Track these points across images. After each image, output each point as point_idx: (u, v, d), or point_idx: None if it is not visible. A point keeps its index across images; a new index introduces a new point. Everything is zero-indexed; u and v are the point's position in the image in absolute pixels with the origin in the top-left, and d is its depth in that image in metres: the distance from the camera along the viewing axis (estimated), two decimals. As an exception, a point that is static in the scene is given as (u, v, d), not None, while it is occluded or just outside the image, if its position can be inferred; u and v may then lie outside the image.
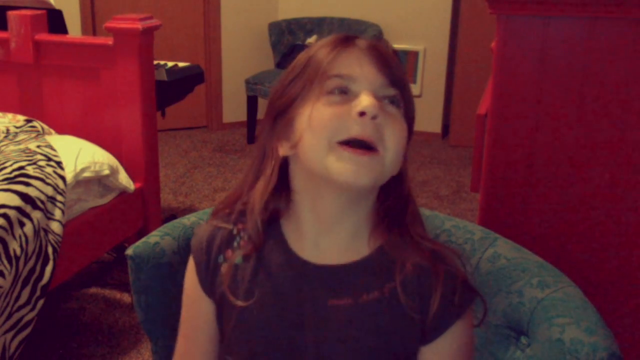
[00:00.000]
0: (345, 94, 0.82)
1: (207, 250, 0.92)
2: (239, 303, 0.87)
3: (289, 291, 0.87)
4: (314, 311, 0.86)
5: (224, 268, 0.90)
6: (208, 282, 0.92)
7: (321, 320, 0.86)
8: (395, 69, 0.84)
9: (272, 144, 0.88)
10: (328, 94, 0.82)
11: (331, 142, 0.80)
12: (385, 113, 0.81)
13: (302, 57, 0.87)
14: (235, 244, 0.91)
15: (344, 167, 0.79)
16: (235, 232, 0.92)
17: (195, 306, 0.95)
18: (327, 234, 0.87)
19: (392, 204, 0.88)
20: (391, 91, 0.83)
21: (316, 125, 0.81)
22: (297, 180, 0.88)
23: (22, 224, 1.81)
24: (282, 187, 0.89)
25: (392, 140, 0.81)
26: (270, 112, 0.88)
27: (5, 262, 1.73)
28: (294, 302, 0.87)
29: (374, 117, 0.79)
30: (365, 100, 0.79)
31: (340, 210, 0.86)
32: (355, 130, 0.79)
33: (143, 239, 1.16)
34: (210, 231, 0.93)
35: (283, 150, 0.86)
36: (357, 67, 0.82)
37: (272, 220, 0.90)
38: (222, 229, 0.92)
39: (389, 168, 0.82)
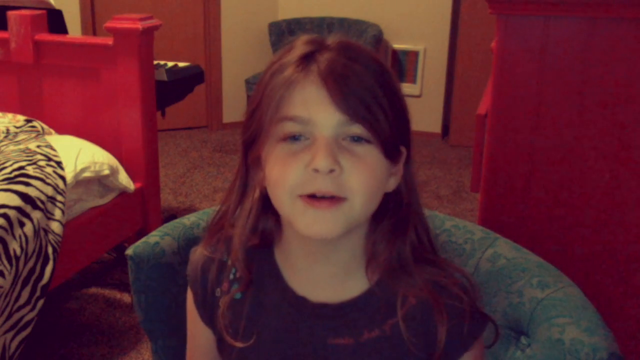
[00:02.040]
0: (299, 140, 0.74)
1: (203, 282, 0.88)
2: (237, 344, 0.83)
3: (288, 330, 0.83)
4: (314, 351, 0.82)
5: (222, 303, 0.85)
6: (207, 314, 0.89)
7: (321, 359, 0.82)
8: (362, 96, 0.73)
9: (250, 173, 0.83)
10: (282, 141, 0.75)
11: (292, 195, 0.74)
12: (348, 156, 0.73)
13: (262, 80, 0.79)
14: (231, 276, 0.86)
15: (309, 222, 0.74)
16: (230, 262, 0.86)
17: (197, 335, 0.92)
18: (318, 267, 0.82)
19: (390, 234, 0.81)
20: (353, 129, 0.73)
21: (274, 181, 0.76)
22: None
23: (22, 224, 1.81)
24: (270, 208, 0.83)
25: (357, 185, 0.73)
26: (243, 141, 0.82)
27: (5, 262, 1.73)
28: (293, 341, 0.82)
29: (331, 171, 0.72)
30: (318, 156, 0.72)
31: (325, 244, 0.80)
32: (314, 186, 0.73)
33: (143, 239, 1.16)
34: (204, 261, 0.88)
35: (262, 182, 0.81)
36: (312, 106, 0.73)
37: (265, 245, 0.85)
38: (216, 259, 0.87)
39: (359, 212, 0.75)
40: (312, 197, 0.74)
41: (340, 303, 0.82)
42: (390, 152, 0.77)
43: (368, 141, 0.75)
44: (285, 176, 0.74)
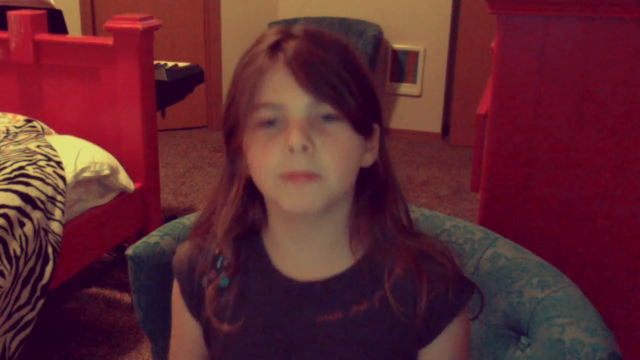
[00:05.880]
0: (275, 124, 0.78)
1: (190, 274, 0.90)
2: (225, 327, 0.85)
3: (276, 312, 0.85)
4: (302, 330, 0.84)
5: (209, 291, 0.87)
6: (194, 305, 0.90)
7: (311, 338, 0.84)
8: (327, 78, 0.77)
9: (235, 163, 0.86)
10: (258, 127, 0.79)
11: (274, 176, 0.79)
12: (320, 134, 0.78)
13: (235, 73, 0.84)
14: (218, 264, 0.88)
15: (290, 199, 0.79)
16: (217, 252, 0.89)
17: (183, 328, 0.93)
18: (304, 249, 0.85)
19: (369, 206, 0.85)
20: (322, 108, 0.78)
21: (257, 166, 0.80)
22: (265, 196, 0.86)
23: (22, 224, 1.81)
24: (256, 196, 0.87)
25: (330, 161, 0.78)
26: (223, 133, 0.86)
27: (5, 262, 1.73)
28: (281, 323, 0.85)
29: (304, 149, 0.76)
30: (291, 135, 0.76)
31: (310, 225, 0.84)
32: (290, 165, 0.77)
33: (143, 239, 1.16)
34: (191, 252, 0.91)
35: (246, 170, 0.85)
36: (282, 91, 0.77)
37: (252, 233, 0.88)
38: (203, 249, 0.89)
39: (335, 188, 0.79)
40: (290, 176, 0.78)
41: (328, 279, 0.84)
42: (361, 128, 0.81)
43: (338, 118, 0.79)
44: (266, 159, 0.79)
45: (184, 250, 0.92)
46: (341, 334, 0.83)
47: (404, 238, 0.85)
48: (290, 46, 0.79)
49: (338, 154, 0.79)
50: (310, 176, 0.77)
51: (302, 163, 0.77)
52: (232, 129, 0.84)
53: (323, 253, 0.85)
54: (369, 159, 0.85)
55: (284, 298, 0.85)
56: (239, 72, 0.82)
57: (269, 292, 0.86)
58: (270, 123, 0.79)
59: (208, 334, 0.90)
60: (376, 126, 0.85)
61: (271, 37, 0.81)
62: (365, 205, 0.86)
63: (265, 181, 0.80)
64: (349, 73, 0.79)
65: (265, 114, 0.79)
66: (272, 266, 0.87)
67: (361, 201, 0.86)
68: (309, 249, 0.85)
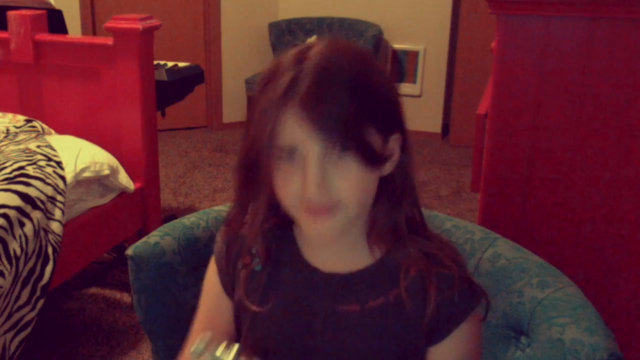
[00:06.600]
0: (294, 155, 0.81)
1: (227, 257, 0.96)
2: (254, 308, 0.91)
3: (300, 297, 0.91)
4: (323, 317, 0.90)
5: (242, 274, 0.94)
6: (230, 286, 0.96)
7: (330, 325, 0.89)
8: (340, 119, 0.78)
9: (258, 175, 0.87)
10: (278, 158, 0.82)
11: (295, 202, 0.83)
12: (336, 166, 0.80)
13: (252, 115, 0.84)
14: (253, 250, 0.94)
15: (311, 228, 0.84)
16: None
17: (217, 305, 0.98)
18: (327, 246, 0.91)
19: (386, 210, 0.88)
20: (339, 140, 0.78)
21: (277, 192, 0.85)
22: None
23: (22, 224, 1.81)
24: None
25: (347, 192, 0.81)
26: (243, 155, 0.87)
27: (5, 262, 1.73)
28: (305, 307, 0.91)
29: (320, 189, 0.80)
30: (308, 185, 0.79)
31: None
32: (308, 202, 0.81)
33: (143, 239, 1.16)
34: (228, 238, 0.96)
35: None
36: (298, 136, 0.79)
37: (284, 225, 0.93)
38: (240, 236, 0.95)
39: (354, 213, 0.84)
40: (310, 209, 0.82)
41: (348, 274, 0.90)
42: (377, 156, 0.82)
43: (353, 146, 0.79)
44: (286, 193, 0.83)
45: (221, 236, 0.98)
46: (357, 325, 0.88)
47: (418, 241, 0.89)
48: (303, 86, 0.78)
49: (354, 187, 0.82)
50: (329, 209, 0.81)
51: (320, 201, 0.81)
52: (254, 157, 0.85)
53: (344, 251, 0.91)
54: (387, 168, 0.86)
55: (308, 285, 0.91)
56: (257, 117, 0.82)
57: (296, 279, 0.92)
58: (287, 159, 0.81)
59: (238, 312, 0.96)
60: (396, 136, 0.85)
61: (283, 82, 0.80)
62: (382, 209, 0.89)
63: (287, 206, 0.85)
64: (366, 103, 0.79)
65: (282, 153, 0.81)
66: (301, 256, 0.93)
67: (379, 205, 0.88)
68: (331, 246, 0.91)
